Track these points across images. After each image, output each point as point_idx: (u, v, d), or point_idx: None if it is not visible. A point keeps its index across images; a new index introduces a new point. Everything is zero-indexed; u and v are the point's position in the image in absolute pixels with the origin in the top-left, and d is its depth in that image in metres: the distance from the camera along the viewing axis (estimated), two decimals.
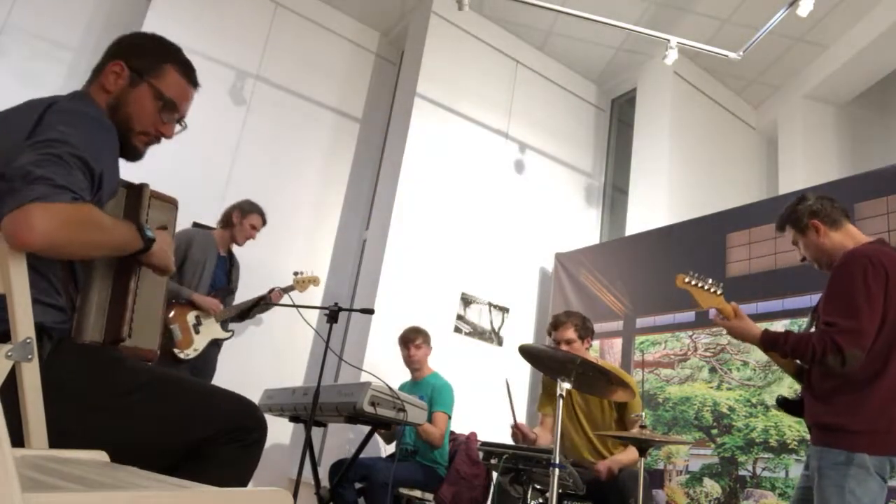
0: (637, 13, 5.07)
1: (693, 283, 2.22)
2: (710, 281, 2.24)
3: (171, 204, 1.51)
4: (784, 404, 2.27)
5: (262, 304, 3.72)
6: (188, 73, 1.54)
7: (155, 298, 1.47)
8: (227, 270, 3.78)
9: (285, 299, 3.86)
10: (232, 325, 3.79)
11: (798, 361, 2.21)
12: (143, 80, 1.45)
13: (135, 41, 1.51)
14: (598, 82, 6.10)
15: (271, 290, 3.85)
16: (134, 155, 1.49)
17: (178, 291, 3.44)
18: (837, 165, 5.25)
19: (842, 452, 1.92)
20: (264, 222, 3.83)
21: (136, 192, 1.43)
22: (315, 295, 4.86)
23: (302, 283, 3.93)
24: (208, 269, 3.59)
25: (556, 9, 4.35)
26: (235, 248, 3.86)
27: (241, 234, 3.73)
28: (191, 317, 3.50)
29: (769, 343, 2.12)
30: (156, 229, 1.38)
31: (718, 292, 2.25)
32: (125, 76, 1.44)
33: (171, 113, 1.50)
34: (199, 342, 3.52)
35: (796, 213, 2.26)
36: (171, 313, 3.40)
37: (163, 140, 1.53)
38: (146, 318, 1.43)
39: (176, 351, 3.40)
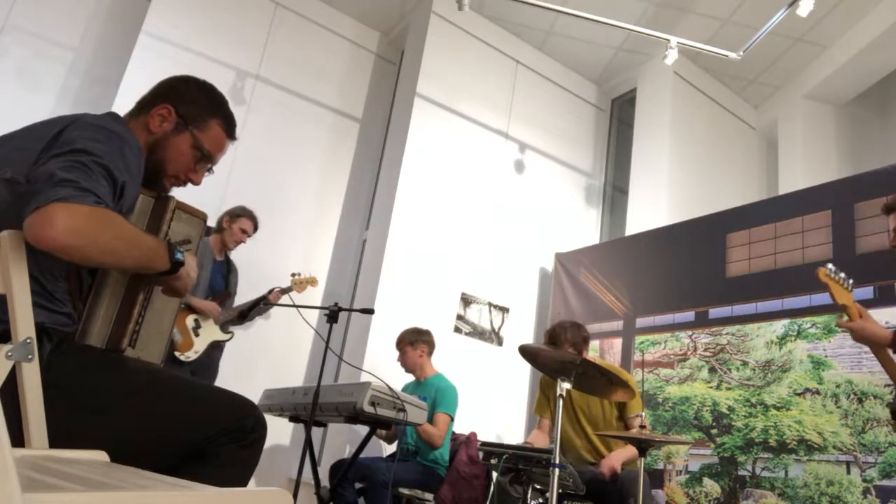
0: (637, 13, 5.07)
1: (833, 276, 2.17)
2: (844, 276, 2.19)
3: (198, 218, 1.50)
4: None
5: (260, 305, 3.74)
6: (230, 128, 1.56)
7: (167, 312, 1.46)
8: (225, 275, 3.82)
9: (285, 299, 3.86)
10: (233, 327, 3.80)
11: None
12: (188, 129, 1.47)
13: (187, 89, 1.51)
14: (598, 82, 6.10)
15: (271, 291, 3.87)
16: (155, 185, 1.50)
17: None
18: (837, 165, 5.25)
19: None
20: (255, 226, 3.83)
21: (162, 204, 1.42)
22: (315, 295, 4.86)
23: (300, 283, 3.93)
24: (205, 273, 3.65)
25: (556, 9, 4.35)
26: (236, 253, 3.87)
27: (230, 238, 3.75)
28: (189, 320, 3.57)
29: None
30: (183, 248, 1.37)
31: (850, 290, 2.20)
32: (171, 121, 1.46)
33: (205, 164, 1.53)
34: (199, 344, 3.58)
35: None
36: None
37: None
38: (155, 331, 1.42)
39: (177, 354, 3.46)
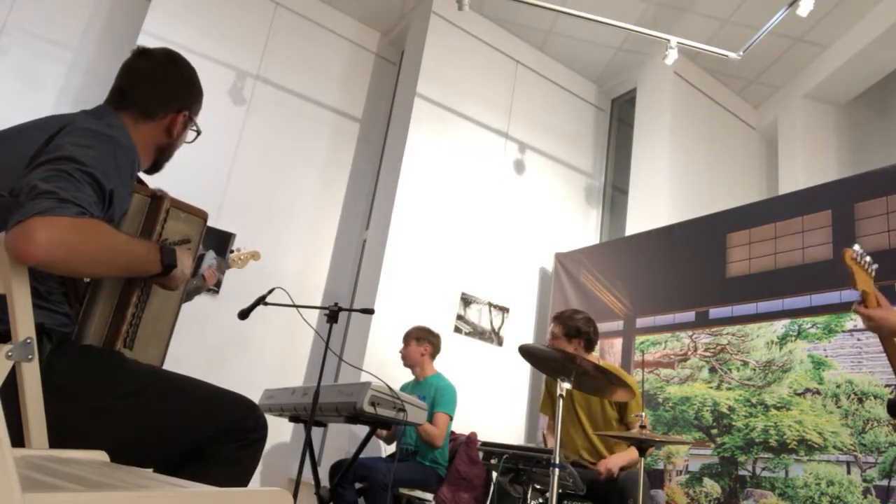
0: (637, 13, 5.07)
1: (859, 260, 2.03)
2: (869, 259, 2.06)
3: (198, 217, 1.51)
4: None
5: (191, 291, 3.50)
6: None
7: (165, 313, 1.45)
8: None
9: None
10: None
11: None
12: (193, 121, 1.60)
13: (188, 88, 1.59)
14: (598, 82, 6.10)
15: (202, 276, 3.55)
16: (156, 171, 1.61)
17: None
18: (837, 165, 5.25)
19: None
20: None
21: (157, 204, 1.42)
22: (315, 295, 4.87)
23: (238, 260, 3.58)
24: None
25: (556, 9, 4.35)
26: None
27: None
28: None
29: None
30: (178, 246, 1.38)
31: (872, 275, 2.07)
32: (184, 122, 1.56)
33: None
34: None
35: None
36: None
37: None
38: (153, 332, 1.41)
39: None
